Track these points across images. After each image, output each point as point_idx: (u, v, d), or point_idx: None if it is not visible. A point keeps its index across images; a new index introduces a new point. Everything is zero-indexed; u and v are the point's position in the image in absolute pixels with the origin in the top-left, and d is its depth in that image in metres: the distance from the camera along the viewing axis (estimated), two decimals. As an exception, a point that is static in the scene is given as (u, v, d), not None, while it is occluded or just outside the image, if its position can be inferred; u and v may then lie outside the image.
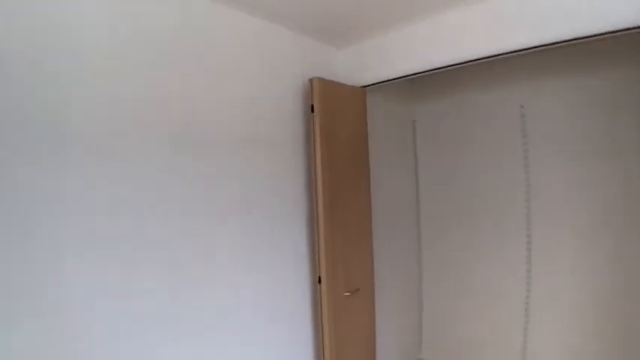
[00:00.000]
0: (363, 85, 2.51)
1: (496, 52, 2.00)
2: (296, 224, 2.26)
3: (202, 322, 1.73)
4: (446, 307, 3.18)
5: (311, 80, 2.18)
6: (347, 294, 2.36)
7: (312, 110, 2.19)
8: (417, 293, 3.28)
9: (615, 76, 2.41)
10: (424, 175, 3.28)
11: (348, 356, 2.37)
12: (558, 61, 2.58)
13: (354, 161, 2.51)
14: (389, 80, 2.43)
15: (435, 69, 2.23)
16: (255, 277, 2.00)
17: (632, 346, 2.32)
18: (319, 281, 2.22)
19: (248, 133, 1.99)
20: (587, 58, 2.47)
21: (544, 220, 2.66)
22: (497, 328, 2.89)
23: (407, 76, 2.34)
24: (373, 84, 2.51)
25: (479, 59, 2.07)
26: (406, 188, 3.21)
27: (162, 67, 1.62)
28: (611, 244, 2.40)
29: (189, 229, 1.69)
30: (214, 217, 1.81)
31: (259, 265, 2.03)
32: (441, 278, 3.19)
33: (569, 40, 1.78)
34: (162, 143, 1.61)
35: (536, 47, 1.88)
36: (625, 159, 2.36)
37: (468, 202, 3.03)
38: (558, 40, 1.80)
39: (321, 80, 2.21)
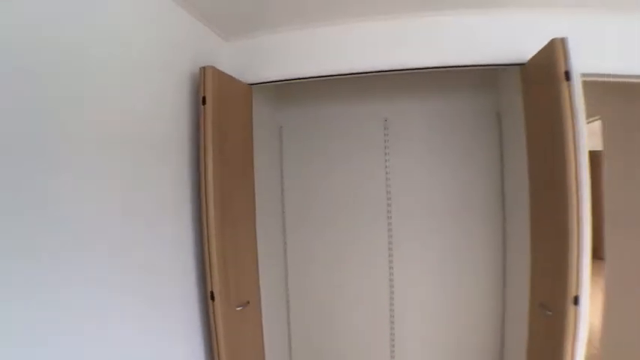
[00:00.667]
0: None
1: (368, 70, 2.24)
2: (180, 232, 1.92)
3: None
4: (312, 312, 3.21)
5: (203, 69, 1.92)
6: (239, 308, 2.15)
7: (204, 102, 1.93)
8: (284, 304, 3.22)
9: (462, 100, 2.95)
10: (290, 181, 3.24)
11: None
12: (420, 83, 2.97)
13: (243, 164, 2.33)
14: (272, 82, 2.37)
15: (317, 77, 2.30)
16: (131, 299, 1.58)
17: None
18: (212, 297, 1.95)
19: (123, 129, 1.54)
20: (442, 82, 2.94)
21: (403, 221, 3.00)
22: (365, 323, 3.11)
23: (290, 80, 2.33)
24: (255, 83, 2.40)
25: (352, 74, 2.26)
26: (274, 195, 3.13)
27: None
28: (455, 233, 2.93)
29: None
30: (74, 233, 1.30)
31: (136, 285, 1.60)
32: (307, 286, 3.21)
33: (427, 68, 2.20)
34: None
35: (412, 69, 2.22)
36: (468, 170, 2.91)
37: (334, 207, 3.14)
38: (420, 66, 2.19)
39: (215, 70, 1.97)
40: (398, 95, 3.05)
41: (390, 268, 3.02)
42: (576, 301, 1.66)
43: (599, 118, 3.06)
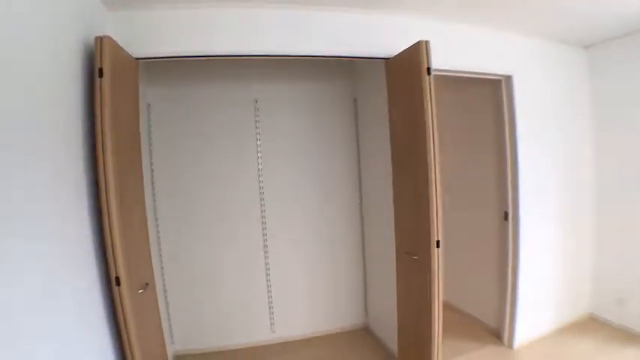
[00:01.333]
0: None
1: (241, 53, 2.32)
2: (76, 214, 1.75)
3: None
4: (190, 294, 3.26)
5: (100, 39, 1.78)
6: (140, 291, 2.08)
7: (101, 75, 1.79)
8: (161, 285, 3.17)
9: (325, 85, 3.41)
10: (160, 161, 3.14)
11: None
12: (289, 68, 3.25)
13: (132, 146, 2.21)
14: (157, 58, 2.29)
15: (194, 56, 2.29)
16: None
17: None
18: (117, 282, 1.86)
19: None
20: (308, 69, 3.29)
21: (274, 194, 3.34)
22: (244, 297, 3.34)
23: (174, 57, 2.28)
24: (141, 58, 2.28)
25: (226, 56, 2.31)
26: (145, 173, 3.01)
27: None
28: (320, 200, 3.48)
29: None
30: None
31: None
32: (184, 270, 3.24)
33: (298, 56, 2.41)
34: None
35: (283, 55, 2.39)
36: (330, 145, 3.43)
37: (207, 184, 3.22)
38: (292, 53, 2.39)
39: (112, 40, 1.84)
40: (269, 79, 3.30)
41: (264, 236, 3.33)
42: (438, 244, 2.18)
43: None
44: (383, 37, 2.53)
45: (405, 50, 2.32)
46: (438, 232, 2.19)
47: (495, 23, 2.74)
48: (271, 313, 3.39)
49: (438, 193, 2.21)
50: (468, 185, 3.62)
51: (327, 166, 3.44)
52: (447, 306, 3.88)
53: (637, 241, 3.11)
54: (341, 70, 3.45)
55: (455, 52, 2.66)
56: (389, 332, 3.04)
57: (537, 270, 3.14)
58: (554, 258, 3.26)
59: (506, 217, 3.05)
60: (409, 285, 2.56)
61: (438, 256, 2.19)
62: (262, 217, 3.31)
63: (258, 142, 3.28)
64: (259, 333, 3.37)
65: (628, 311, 3.20)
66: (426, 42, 2.14)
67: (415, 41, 2.19)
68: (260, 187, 3.30)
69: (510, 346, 3.11)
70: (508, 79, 2.92)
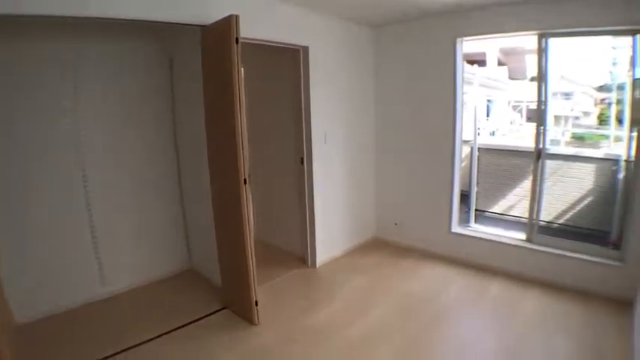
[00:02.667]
0: None
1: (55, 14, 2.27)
2: None
3: None
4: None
5: None
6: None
7: None
8: None
9: (142, 45, 3.59)
10: None
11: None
12: (105, 28, 3.18)
13: None
14: None
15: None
16: None
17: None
18: None
19: None
20: (124, 30, 3.30)
21: (91, 150, 3.37)
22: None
23: None
24: None
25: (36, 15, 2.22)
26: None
27: None
28: (137, 154, 3.73)
29: None
30: None
31: None
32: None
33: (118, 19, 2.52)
34: None
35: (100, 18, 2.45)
36: (146, 100, 3.69)
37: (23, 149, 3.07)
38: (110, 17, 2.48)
39: None
40: (84, 38, 3.26)
41: (85, 187, 3.37)
42: (245, 181, 2.79)
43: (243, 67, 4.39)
44: (199, 7, 2.88)
45: (218, 21, 2.74)
46: (244, 171, 2.79)
47: (295, 1, 3.36)
48: (100, 265, 3.46)
49: (244, 139, 2.78)
50: (273, 136, 4.38)
51: (141, 116, 3.62)
52: (261, 243, 4.69)
53: (405, 178, 4.41)
54: (157, 32, 3.58)
55: (262, 23, 3.22)
56: (213, 268, 3.50)
57: (330, 205, 4.14)
58: (345, 194, 4.32)
59: (302, 162, 3.89)
60: (224, 221, 3.15)
61: (245, 192, 2.81)
62: (81, 167, 3.32)
63: (76, 98, 3.25)
64: (90, 289, 3.41)
65: (403, 232, 4.54)
66: (237, 16, 2.60)
67: (228, 13, 2.63)
68: (78, 139, 3.28)
69: (313, 266, 4.08)
70: (305, 49, 3.65)
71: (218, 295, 3.47)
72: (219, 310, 3.30)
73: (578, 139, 7.58)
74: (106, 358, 2.68)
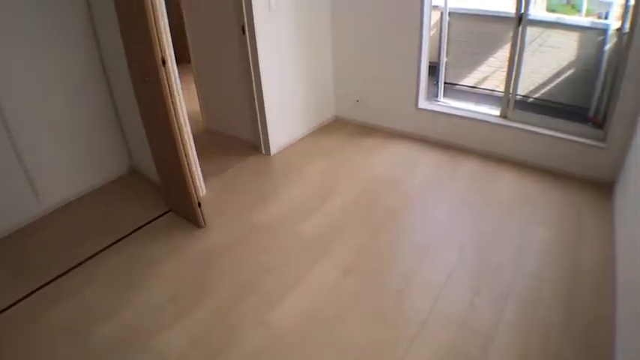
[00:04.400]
0: None
1: None
2: None
3: None
4: None
5: None
6: None
7: None
8: None
9: None
10: None
11: None
12: None
13: None
14: None
15: None
16: None
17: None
18: None
19: None
20: None
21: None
22: None
23: None
24: None
25: None
26: None
27: None
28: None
29: None
30: None
31: None
32: None
33: None
34: None
35: None
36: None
37: None
38: None
39: None
40: None
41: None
42: (164, 62, 2.19)
43: None
44: None
45: None
46: (162, 50, 2.17)
47: None
48: (30, 182, 2.91)
49: (156, 10, 2.11)
50: (209, 3, 3.52)
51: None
52: (210, 132, 4.19)
53: (366, 49, 3.78)
54: None
55: None
56: (151, 166, 3.07)
57: (281, 84, 3.55)
58: (297, 71, 3.70)
59: (243, 31, 3.19)
60: (150, 114, 2.61)
61: (165, 75, 2.23)
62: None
63: None
64: (25, 209, 2.93)
65: (365, 111, 4.07)
66: None
67: None
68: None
69: (268, 154, 3.67)
70: None
71: (162, 197, 3.11)
72: (164, 214, 2.96)
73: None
74: (48, 282, 2.40)
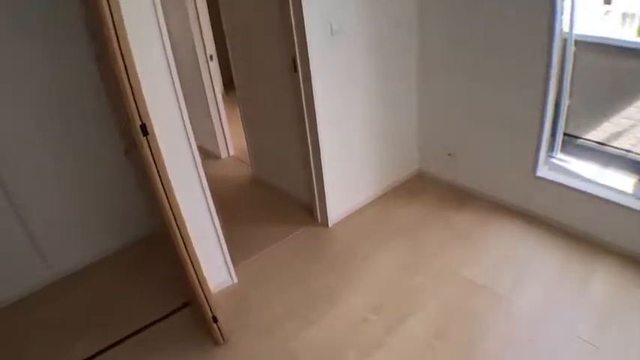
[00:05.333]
0: None
1: None
2: None
3: None
4: None
5: None
6: None
7: None
8: None
9: None
10: None
11: None
12: None
13: None
14: None
15: None
16: None
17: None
18: None
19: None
20: None
21: None
22: None
23: None
24: None
25: None
26: None
27: None
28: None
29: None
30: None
31: None
32: None
33: None
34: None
35: None
36: None
37: None
38: None
39: None
40: None
41: None
42: (145, 130, 1.46)
43: None
44: None
45: None
46: (141, 115, 1.44)
47: None
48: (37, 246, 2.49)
49: (129, 67, 1.38)
50: (259, 31, 2.76)
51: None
52: (257, 182, 3.50)
53: (465, 85, 2.74)
54: None
55: None
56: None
57: (346, 130, 2.70)
58: (368, 113, 2.80)
59: (295, 66, 2.40)
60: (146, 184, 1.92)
61: (149, 147, 1.49)
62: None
63: None
64: (33, 275, 2.52)
65: (460, 167, 3.03)
66: None
67: None
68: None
69: (325, 224, 2.84)
70: None
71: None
72: (180, 308, 2.29)
73: None
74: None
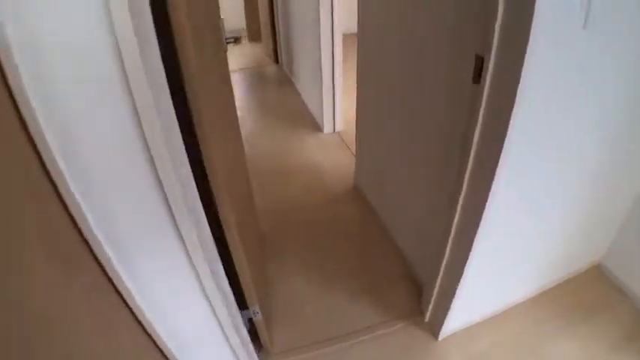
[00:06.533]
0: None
1: None
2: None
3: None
4: None
5: None
6: None
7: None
8: None
9: None
10: None
11: None
12: None
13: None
14: None
15: None
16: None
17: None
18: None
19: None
20: None
21: None
22: None
23: None
24: None
25: None
26: None
27: None
28: None
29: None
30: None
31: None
32: None
33: None
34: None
35: None
36: None
37: None
38: None
39: None
40: None
41: None
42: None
43: None
44: None
45: None
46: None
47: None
48: None
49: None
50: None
51: None
52: (358, 199, 2.44)
53: None
54: None
55: None
56: None
57: (543, 196, 1.38)
58: (594, 179, 1.46)
59: (478, 75, 1.12)
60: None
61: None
62: None
63: None
64: None
65: None
66: None
67: None
68: None
69: (434, 333, 1.67)
70: None
71: None
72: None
73: None
74: None
